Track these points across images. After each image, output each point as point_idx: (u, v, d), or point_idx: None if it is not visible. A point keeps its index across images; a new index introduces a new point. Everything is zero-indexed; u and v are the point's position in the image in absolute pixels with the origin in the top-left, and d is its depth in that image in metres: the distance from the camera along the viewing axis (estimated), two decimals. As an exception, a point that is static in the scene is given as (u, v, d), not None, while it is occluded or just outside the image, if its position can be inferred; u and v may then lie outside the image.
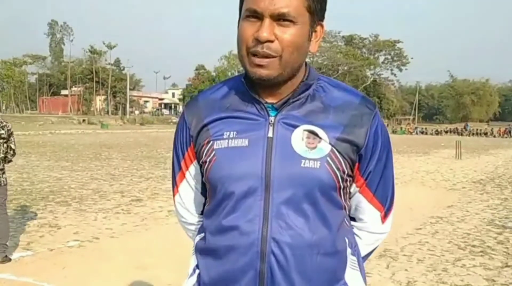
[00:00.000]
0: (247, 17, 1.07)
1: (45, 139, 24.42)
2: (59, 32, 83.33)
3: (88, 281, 3.91)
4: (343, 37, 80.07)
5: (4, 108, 66.59)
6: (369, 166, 1.16)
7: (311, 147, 1.10)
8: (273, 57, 1.06)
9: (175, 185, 1.28)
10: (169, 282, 3.84)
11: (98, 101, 71.17)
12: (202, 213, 1.26)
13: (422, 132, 56.41)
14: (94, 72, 67.88)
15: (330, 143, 1.10)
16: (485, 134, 53.22)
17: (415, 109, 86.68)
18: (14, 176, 9.87)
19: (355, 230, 1.24)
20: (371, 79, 78.21)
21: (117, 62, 75.89)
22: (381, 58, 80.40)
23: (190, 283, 1.21)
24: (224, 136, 1.13)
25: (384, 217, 1.24)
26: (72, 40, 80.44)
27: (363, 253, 1.25)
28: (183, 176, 1.25)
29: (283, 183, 1.08)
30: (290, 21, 1.04)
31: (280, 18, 1.04)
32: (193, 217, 1.29)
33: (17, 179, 9.53)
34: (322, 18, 1.12)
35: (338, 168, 1.10)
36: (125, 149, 18.80)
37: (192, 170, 1.23)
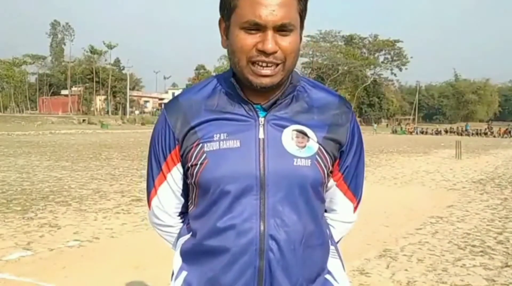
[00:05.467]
0: (246, 28, 1.06)
1: (45, 139, 24.42)
2: (61, 32, 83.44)
3: (88, 281, 3.91)
4: (343, 37, 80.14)
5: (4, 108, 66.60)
6: (346, 162, 1.23)
7: (301, 146, 1.14)
8: (277, 64, 1.08)
9: (153, 187, 1.26)
10: (169, 282, 3.83)
11: (98, 101, 71.19)
12: (179, 214, 1.29)
13: (422, 132, 56.32)
14: (94, 72, 67.89)
15: (318, 142, 1.15)
16: (485, 134, 53.16)
17: (415, 109, 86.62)
18: (14, 176, 9.88)
19: (328, 221, 1.29)
20: (371, 79, 78.22)
21: (117, 62, 75.96)
22: (381, 58, 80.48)
23: (177, 285, 1.22)
24: (215, 138, 1.13)
25: (356, 207, 1.31)
26: (72, 40, 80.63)
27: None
28: (164, 178, 1.23)
29: (278, 181, 1.11)
30: (290, 30, 1.08)
31: (281, 29, 1.06)
32: (172, 219, 1.29)
33: (17, 179, 9.53)
34: (304, 19, 1.15)
35: (325, 165, 1.16)
36: (125, 149, 18.78)
37: (174, 172, 1.22)
